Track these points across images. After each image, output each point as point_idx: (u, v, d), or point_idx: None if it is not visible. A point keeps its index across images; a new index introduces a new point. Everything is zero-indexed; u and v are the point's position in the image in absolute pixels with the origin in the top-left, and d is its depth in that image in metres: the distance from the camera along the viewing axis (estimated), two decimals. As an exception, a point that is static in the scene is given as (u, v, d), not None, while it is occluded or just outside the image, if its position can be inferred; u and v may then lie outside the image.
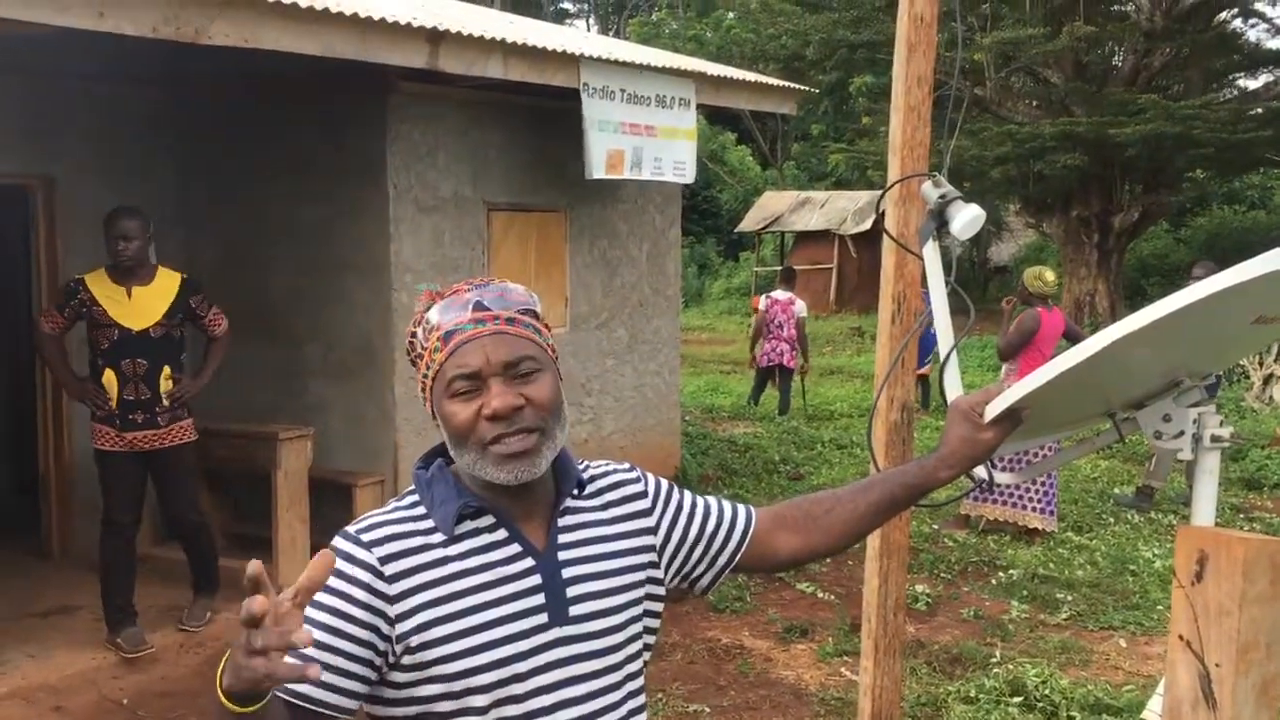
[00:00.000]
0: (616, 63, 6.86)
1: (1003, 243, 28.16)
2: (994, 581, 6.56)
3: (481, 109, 6.90)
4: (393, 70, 5.84)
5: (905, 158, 2.37)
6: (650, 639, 1.68)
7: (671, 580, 1.72)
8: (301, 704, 1.44)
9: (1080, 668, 5.27)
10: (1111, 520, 7.94)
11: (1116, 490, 8.76)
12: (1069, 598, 6.24)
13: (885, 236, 2.40)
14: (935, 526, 7.59)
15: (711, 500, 1.78)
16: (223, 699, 1.27)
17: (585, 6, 47.51)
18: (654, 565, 1.67)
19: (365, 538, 1.51)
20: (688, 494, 1.77)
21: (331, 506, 6.28)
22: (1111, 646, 5.60)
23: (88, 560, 6.13)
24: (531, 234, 7.39)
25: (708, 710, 4.75)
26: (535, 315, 1.58)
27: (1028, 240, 26.87)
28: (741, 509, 1.78)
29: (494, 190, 7.03)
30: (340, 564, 1.48)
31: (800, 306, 11.79)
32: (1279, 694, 1.67)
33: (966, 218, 2.05)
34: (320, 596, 1.43)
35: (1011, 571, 6.69)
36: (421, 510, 1.55)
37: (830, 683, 5.09)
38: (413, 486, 1.59)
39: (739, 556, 1.75)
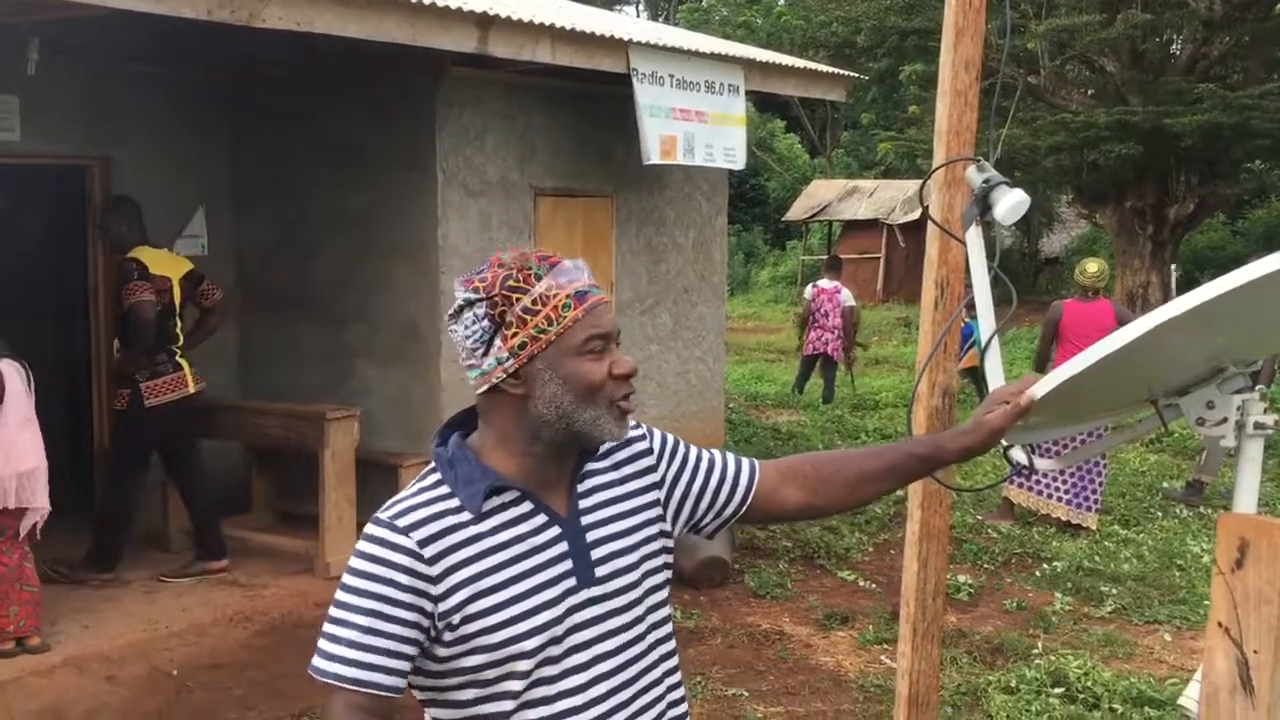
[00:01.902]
0: (665, 48, 6.86)
1: (1054, 234, 27.81)
2: (1038, 573, 6.52)
3: (529, 94, 6.94)
4: (443, 54, 5.88)
5: (951, 143, 2.37)
6: (666, 590, 1.75)
7: (679, 531, 1.79)
8: (354, 689, 1.52)
9: (1123, 660, 5.22)
10: (1159, 515, 7.85)
11: (1165, 484, 8.64)
12: (1114, 591, 6.18)
13: (929, 222, 2.39)
14: (979, 517, 7.54)
15: (715, 453, 1.83)
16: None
17: (635, -6, 47.38)
18: (662, 519, 1.75)
19: (401, 523, 1.55)
20: (692, 448, 1.82)
21: (377, 486, 6.36)
22: (1156, 640, 5.54)
23: (142, 533, 6.28)
24: (578, 219, 7.41)
25: (747, 694, 4.77)
26: None
27: (1080, 232, 26.50)
28: (745, 462, 1.83)
29: (541, 175, 7.07)
30: (380, 550, 1.54)
31: (846, 295, 11.75)
32: (1318, 683, 1.66)
33: (1010, 203, 2.04)
34: (364, 584, 1.52)
35: (1056, 564, 6.63)
36: (446, 489, 1.59)
37: (870, 669, 5.09)
38: (433, 465, 1.63)
39: (744, 508, 1.81)
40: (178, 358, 5.89)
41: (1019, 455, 2.00)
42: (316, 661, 1.54)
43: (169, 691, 4.77)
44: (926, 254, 2.45)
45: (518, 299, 1.56)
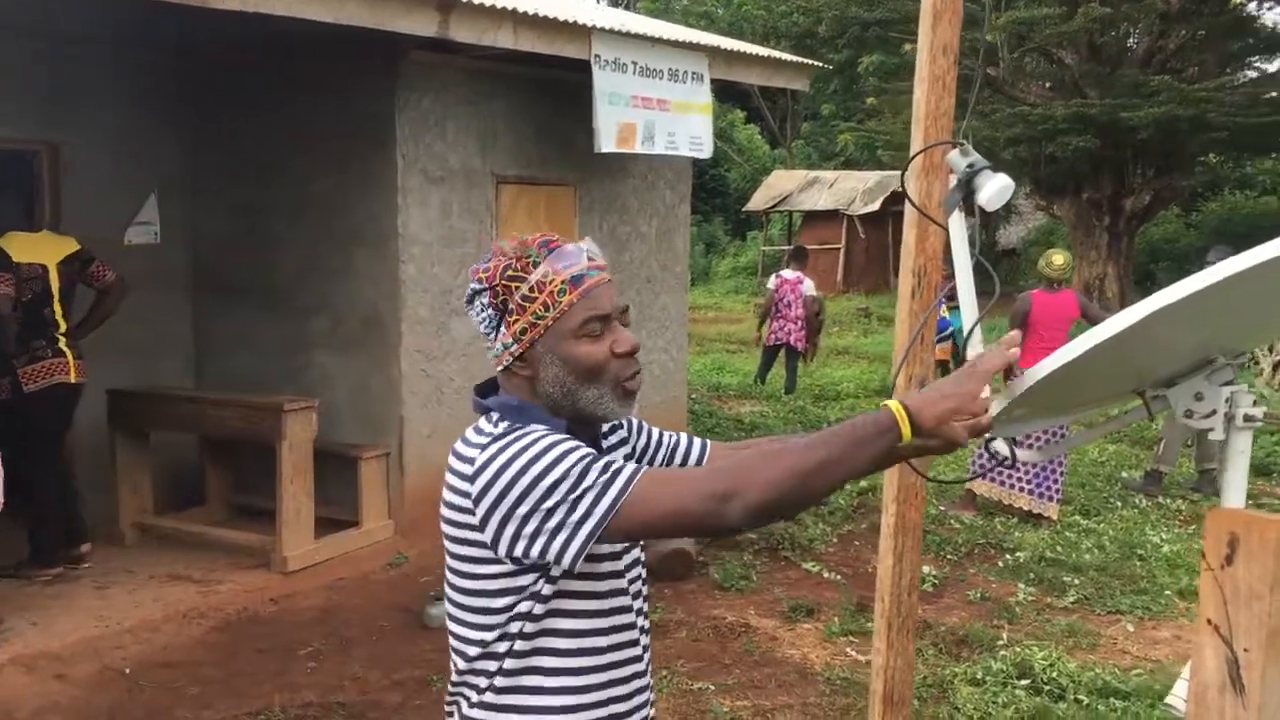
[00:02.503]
0: (628, 35, 6.78)
1: (1012, 225, 28.02)
2: (1001, 564, 6.53)
3: (491, 80, 6.83)
4: (403, 39, 5.77)
5: (929, 128, 2.31)
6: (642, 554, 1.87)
7: None
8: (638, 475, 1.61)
9: (1087, 651, 5.23)
10: (1119, 504, 7.90)
11: (1125, 474, 8.70)
12: (1076, 581, 6.20)
13: (908, 207, 2.33)
14: (942, 508, 7.55)
15: (674, 433, 1.98)
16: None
17: (595, -18, 47.15)
18: None
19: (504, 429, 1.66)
20: (654, 428, 1.96)
21: (336, 479, 6.27)
22: (1118, 630, 5.56)
23: (94, 530, 6.12)
24: (540, 207, 7.32)
25: (712, 688, 4.73)
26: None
27: (1037, 223, 26.72)
28: (698, 441, 1.96)
29: (503, 162, 6.97)
30: (563, 437, 1.62)
31: (808, 285, 11.75)
32: (1310, 681, 1.62)
33: (995, 188, 1.98)
34: (570, 443, 1.60)
35: (1019, 554, 6.65)
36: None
37: (835, 662, 5.05)
38: (496, 415, 1.69)
39: None
40: (61, 345, 5.59)
41: (1001, 447, 1.94)
42: (594, 510, 1.55)
43: (121, 690, 4.64)
44: (904, 241, 2.40)
45: (517, 287, 1.65)
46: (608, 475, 1.56)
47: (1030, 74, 18.93)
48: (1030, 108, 16.89)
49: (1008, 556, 6.64)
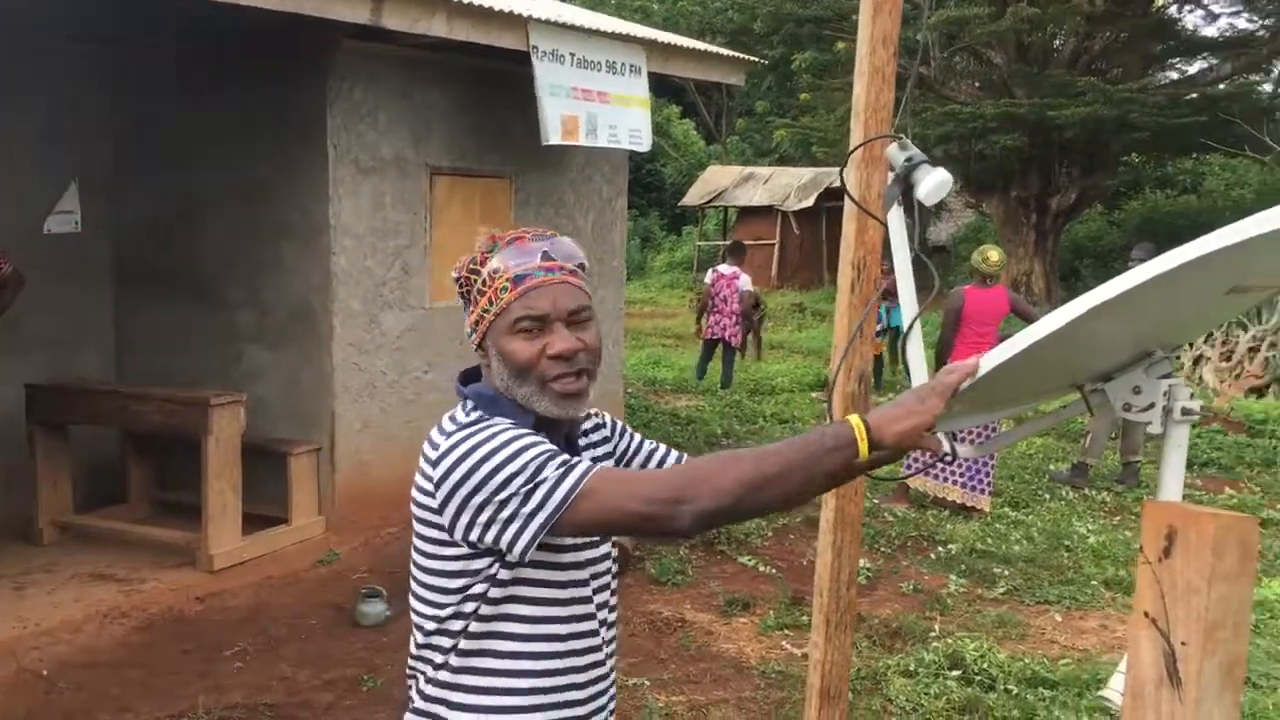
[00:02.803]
0: (566, 26, 6.72)
1: (942, 222, 28.40)
2: (933, 556, 6.59)
3: (425, 70, 6.73)
4: (334, 26, 5.64)
5: (869, 121, 2.30)
6: (615, 550, 1.90)
7: None
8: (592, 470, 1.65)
9: (1017, 641, 5.30)
10: (1047, 496, 8.03)
11: (1052, 467, 8.86)
12: (1006, 572, 6.28)
13: (847, 201, 2.32)
14: (876, 501, 7.61)
15: (656, 442, 2.00)
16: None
17: (530, -26, 46.88)
18: None
19: (475, 418, 1.71)
20: (638, 434, 2.00)
21: (265, 475, 6.14)
22: (1047, 621, 5.65)
23: (8, 529, 5.94)
24: (475, 200, 7.24)
25: (648, 683, 4.70)
26: (584, 269, 1.78)
27: (967, 220, 27.11)
28: (674, 451, 1.99)
29: (437, 154, 6.87)
30: (511, 424, 1.67)
31: (744, 280, 11.79)
32: (1244, 674, 1.63)
33: (933, 182, 1.98)
34: (531, 437, 1.64)
35: (950, 546, 6.72)
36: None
37: (771, 656, 5.06)
38: (471, 404, 1.73)
39: None
40: None
41: (941, 443, 1.94)
42: (546, 504, 1.58)
43: (39, 692, 4.49)
44: (843, 234, 2.38)
45: (474, 278, 1.72)
46: (562, 470, 1.59)
47: (960, 73, 19.21)
48: (960, 106, 17.13)
49: (940, 549, 6.71)
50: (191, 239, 6.65)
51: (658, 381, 12.48)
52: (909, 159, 2.01)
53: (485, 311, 1.70)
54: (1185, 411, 1.71)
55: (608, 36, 7.08)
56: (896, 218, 2.04)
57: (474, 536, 1.64)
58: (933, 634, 5.29)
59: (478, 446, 1.62)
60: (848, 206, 2.37)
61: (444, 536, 1.68)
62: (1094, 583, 6.16)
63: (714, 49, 8.85)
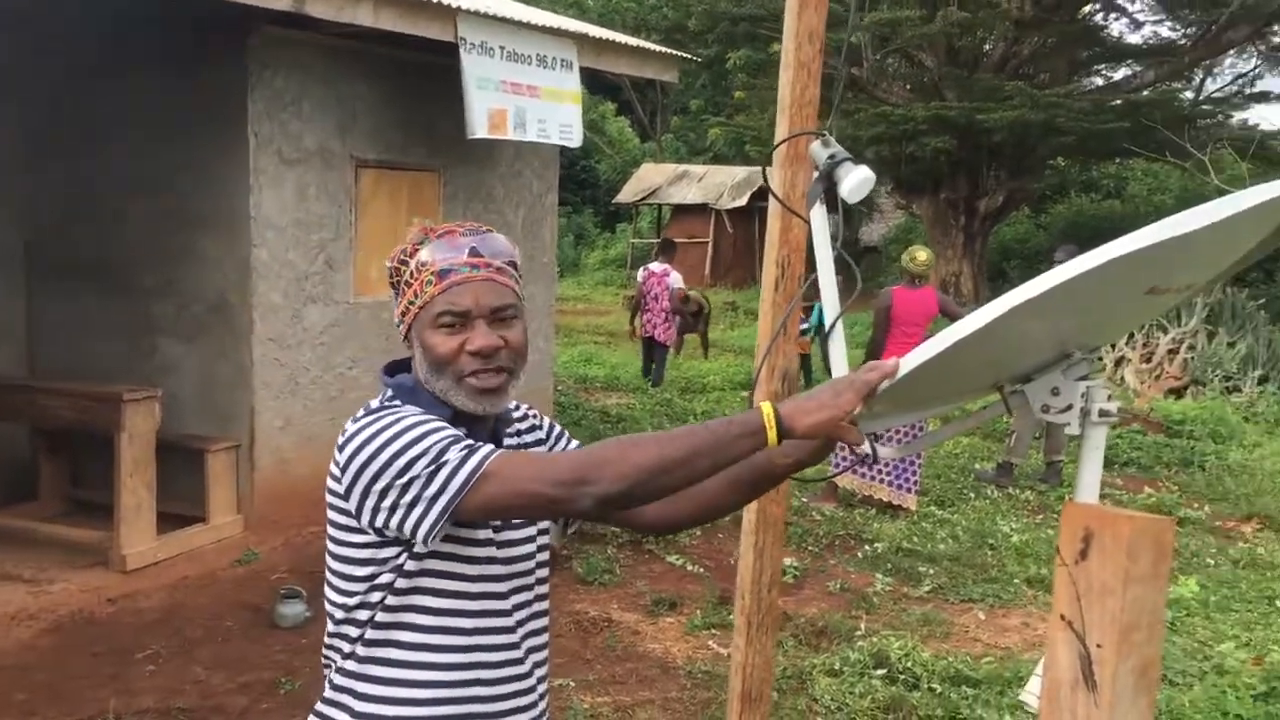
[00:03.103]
0: (495, 18, 6.63)
1: (874, 223, 28.70)
2: (860, 554, 6.63)
3: (352, 59, 6.60)
4: (256, 12, 5.50)
5: (794, 116, 2.27)
6: (547, 568, 1.87)
7: None
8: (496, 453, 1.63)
9: (941, 640, 5.34)
10: (972, 495, 8.12)
11: (978, 466, 8.96)
12: (931, 571, 6.33)
13: (770, 199, 2.29)
14: (805, 500, 7.63)
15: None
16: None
17: (465, -33, 46.55)
18: None
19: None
20: (570, 437, 1.96)
21: (181, 472, 5.97)
22: (970, 619, 5.70)
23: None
24: (403, 193, 7.12)
25: (573, 684, 4.65)
26: (516, 266, 1.76)
27: (898, 221, 27.44)
28: None
29: (363, 146, 6.75)
30: (422, 412, 1.67)
31: (675, 278, 11.78)
32: (1159, 677, 1.63)
33: (856, 180, 1.95)
34: (435, 422, 1.63)
35: (877, 545, 6.76)
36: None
37: (697, 656, 5.04)
38: (390, 393, 1.74)
39: None
40: None
41: (863, 444, 1.91)
42: (448, 486, 1.57)
43: (-63, 700, 4.32)
44: (767, 232, 2.35)
45: (404, 269, 1.72)
46: (465, 453, 1.58)
47: (892, 75, 19.39)
48: (892, 108, 17.30)
49: (867, 547, 6.74)
50: (106, 228, 6.45)
51: (589, 379, 12.42)
52: (832, 156, 1.98)
53: (411, 303, 1.71)
54: (1102, 413, 1.69)
55: (539, 30, 7.00)
56: (819, 215, 2.01)
57: (379, 522, 1.63)
58: (858, 633, 5.31)
59: (382, 431, 1.62)
60: (772, 204, 2.33)
61: (352, 523, 1.67)
62: (1016, 581, 6.23)
63: (647, 45, 8.81)
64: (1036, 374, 1.75)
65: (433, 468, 1.57)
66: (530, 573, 1.81)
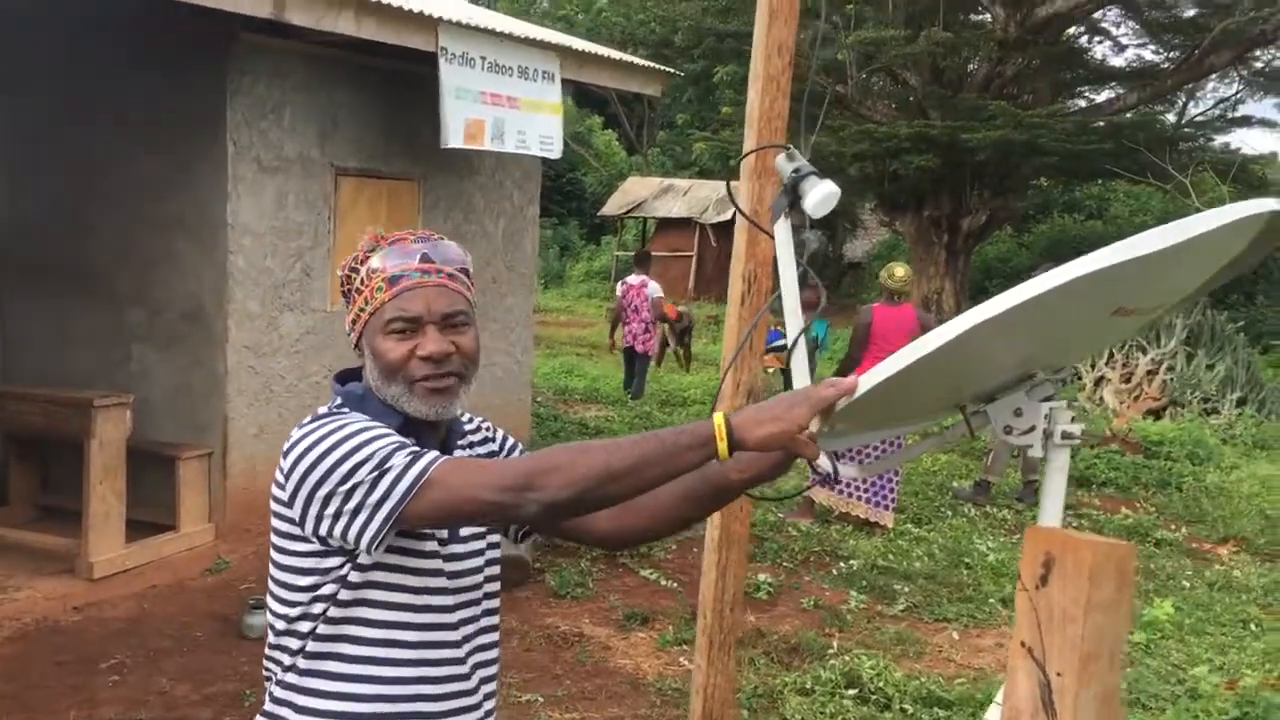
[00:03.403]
0: (477, 29, 6.61)
1: (858, 239, 28.78)
2: (835, 571, 6.60)
3: (333, 68, 6.57)
4: (236, 18, 5.47)
5: (763, 129, 2.25)
6: (498, 581, 1.84)
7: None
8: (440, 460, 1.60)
9: (914, 659, 5.31)
10: (949, 513, 8.10)
11: (955, 484, 8.95)
12: (906, 589, 6.31)
13: (737, 212, 2.27)
14: (781, 515, 7.61)
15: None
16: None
17: (455, -22, 46.63)
18: None
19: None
20: (521, 448, 1.94)
21: (152, 480, 5.91)
22: (945, 638, 5.67)
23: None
24: (382, 202, 7.08)
25: (541, 700, 4.61)
26: (468, 273, 1.76)
27: (881, 238, 27.51)
28: None
29: (343, 154, 6.71)
30: (366, 418, 1.66)
31: (653, 288, 11.76)
32: (1119, 706, 1.60)
33: (820, 194, 1.93)
34: (369, 425, 1.63)
35: (852, 561, 6.73)
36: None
37: (668, 672, 5.00)
38: (339, 401, 1.73)
39: None
40: None
41: (824, 462, 1.89)
42: (391, 492, 1.55)
43: (-106, 709, 4.25)
44: (734, 246, 2.33)
45: (354, 276, 1.72)
46: (410, 458, 1.57)
47: (877, 93, 19.46)
48: (876, 125, 17.36)
49: (842, 564, 6.72)
50: (81, 233, 6.39)
51: (568, 391, 12.38)
52: (796, 170, 1.96)
53: (362, 310, 1.70)
54: (1065, 435, 1.67)
55: (521, 42, 6.99)
56: (783, 230, 1.98)
57: (323, 530, 1.61)
58: (831, 651, 5.28)
59: (326, 437, 1.61)
60: (739, 218, 2.31)
61: (295, 531, 1.66)
62: (991, 600, 6.21)
63: (630, 58, 8.81)
64: (1000, 394, 1.73)
65: (376, 474, 1.55)
66: (478, 587, 1.78)
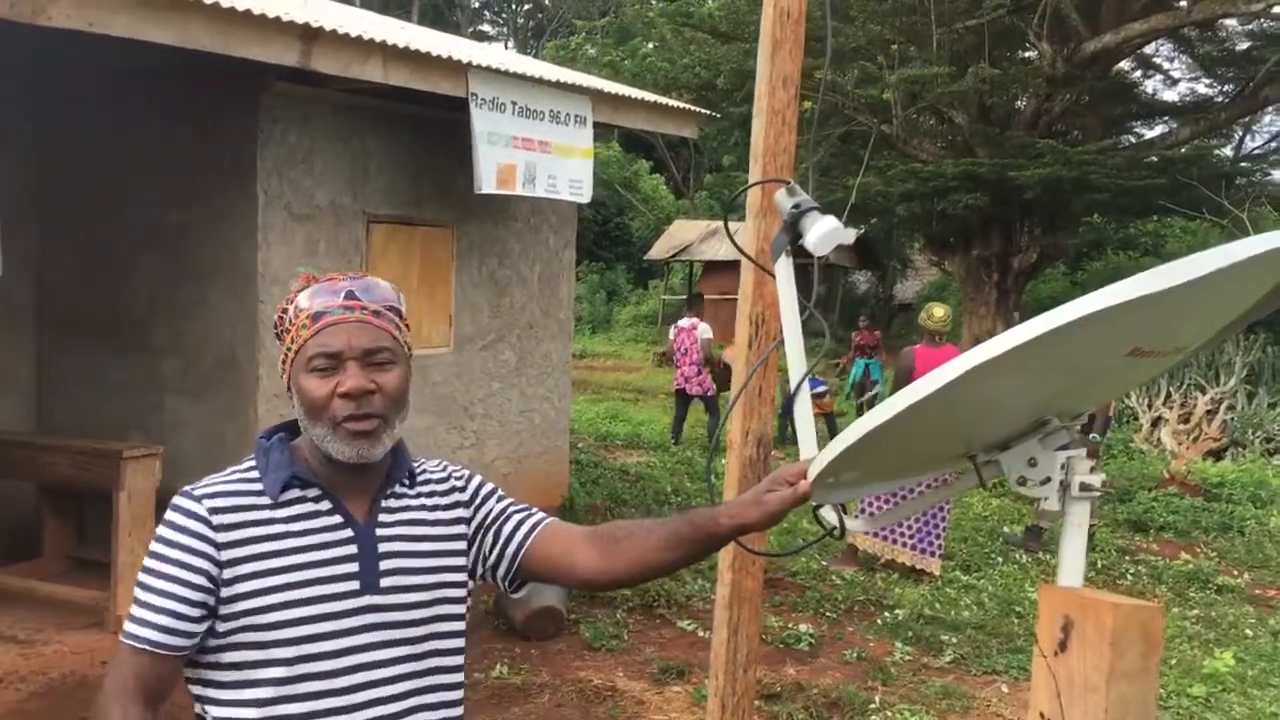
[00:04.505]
0: (507, 74, 6.59)
1: (908, 280, 28.51)
2: (880, 621, 6.39)
3: (363, 115, 6.58)
4: (266, 68, 5.48)
5: (767, 165, 2.15)
6: (460, 633, 1.78)
7: (475, 565, 1.82)
8: (147, 649, 1.61)
9: (960, 715, 5.10)
10: (1000, 560, 7.86)
11: (1006, 529, 8.69)
12: (954, 639, 6.08)
13: (739, 253, 2.15)
14: (824, 564, 7.41)
15: (521, 506, 1.88)
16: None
17: (504, 30, 47.32)
18: (464, 567, 1.80)
19: (198, 493, 1.66)
20: (504, 500, 1.87)
21: (183, 531, 5.86)
22: (993, 692, 5.44)
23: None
24: (415, 249, 7.06)
25: (571, 758, 4.46)
26: (399, 313, 1.72)
27: (932, 278, 27.21)
28: (541, 514, 1.87)
29: (375, 201, 6.70)
30: (176, 517, 1.64)
31: (703, 329, 11.63)
32: (1148, 785, 1.45)
33: (822, 231, 1.82)
34: (160, 548, 1.63)
35: (898, 611, 6.52)
36: (256, 475, 1.68)
37: (703, 729, 4.83)
38: (253, 455, 1.71)
39: (525, 547, 1.81)
40: None
41: (829, 515, 1.77)
42: (125, 625, 1.64)
43: (-85, 766, 4.20)
44: (740, 287, 2.22)
45: (284, 317, 1.71)
46: (131, 622, 1.64)
47: (923, 132, 19.27)
48: (922, 164, 17.16)
49: (887, 614, 6.51)
50: (115, 282, 6.43)
51: (610, 436, 12.27)
52: (796, 205, 1.85)
53: (289, 350, 1.68)
54: (1084, 487, 1.53)
55: (551, 85, 6.96)
56: (784, 268, 1.87)
57: None
58: (872, 705, 5.08)
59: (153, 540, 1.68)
60: (745, 258, 2.20)
61: None
62: (1043, 651, 5.96)
63: (664, 100, 8.77)
64: (1013, 442, 1.60)
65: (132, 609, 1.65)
66: (422, 644, 1.73)
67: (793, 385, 1.84)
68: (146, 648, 1.61)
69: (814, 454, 1.76)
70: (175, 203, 6.21)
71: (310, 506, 1.68)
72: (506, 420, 7.88)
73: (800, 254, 1.91)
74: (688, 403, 11.91)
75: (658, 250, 26.03)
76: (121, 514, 5.41)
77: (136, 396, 6.37)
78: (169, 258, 6.26)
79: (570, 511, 7.99)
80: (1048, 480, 1.55)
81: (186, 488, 1.68)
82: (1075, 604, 1.49)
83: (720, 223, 26.68)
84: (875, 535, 7.26)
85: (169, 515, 1.65)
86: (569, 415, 8.76)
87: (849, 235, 1.96)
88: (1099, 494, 1.56)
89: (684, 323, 11.84)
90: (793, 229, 1.85)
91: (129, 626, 1.62)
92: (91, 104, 6.45)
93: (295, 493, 1.68)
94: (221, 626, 1.62)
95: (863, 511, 5.99)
